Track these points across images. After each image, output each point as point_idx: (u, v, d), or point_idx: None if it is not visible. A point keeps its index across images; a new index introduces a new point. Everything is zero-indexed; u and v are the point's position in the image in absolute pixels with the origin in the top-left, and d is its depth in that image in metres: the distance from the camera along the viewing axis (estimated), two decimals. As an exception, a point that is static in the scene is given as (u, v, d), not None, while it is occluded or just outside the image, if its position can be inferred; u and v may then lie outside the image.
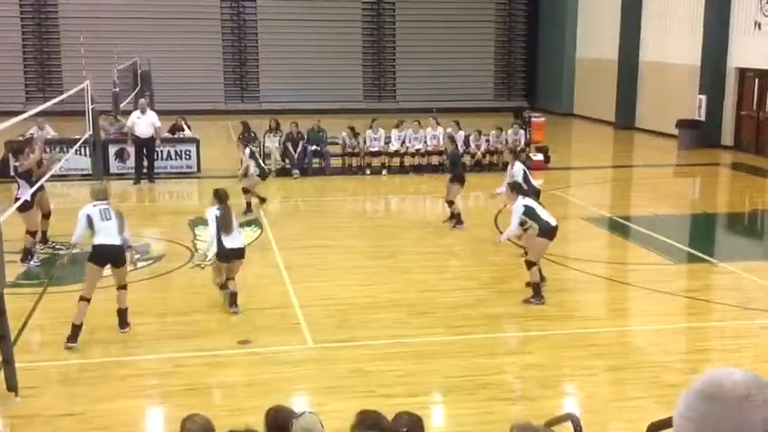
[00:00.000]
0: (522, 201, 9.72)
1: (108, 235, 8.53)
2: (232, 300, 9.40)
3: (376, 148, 18.74)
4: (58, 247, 12.12)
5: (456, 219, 13.40)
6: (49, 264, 11.48)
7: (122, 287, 8.81)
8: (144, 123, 17.28)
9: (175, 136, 18.90)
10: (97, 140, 16.04)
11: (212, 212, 9.47)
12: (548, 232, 9.69)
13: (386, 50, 31.37)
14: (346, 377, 7.66)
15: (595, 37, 28.28)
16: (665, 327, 9.26)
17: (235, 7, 30.01)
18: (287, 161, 18.29)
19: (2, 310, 7.00)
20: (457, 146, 15.28)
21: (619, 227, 14.04)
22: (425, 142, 18.81)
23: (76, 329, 8.32)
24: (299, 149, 18.13)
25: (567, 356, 8.23)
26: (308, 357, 8.23)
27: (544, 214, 9.79)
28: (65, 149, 16.53)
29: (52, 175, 13.56)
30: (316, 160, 18.44)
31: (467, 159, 18.82)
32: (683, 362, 8.30)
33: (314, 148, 18.34)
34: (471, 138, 18.88)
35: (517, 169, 11.81)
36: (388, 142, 18.86)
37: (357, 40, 30.90)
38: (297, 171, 17.93)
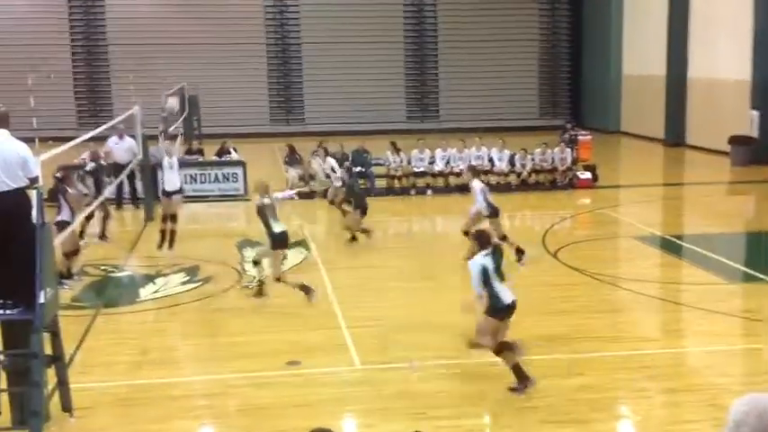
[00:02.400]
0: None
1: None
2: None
3: (421, 169, 18.73)
4: (109, 270, 12.34)
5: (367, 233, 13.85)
6: (102, 286, 11.67)
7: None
8: (122, 149, 16.71)
9: (222, 159, 19.15)
10: (146, 165, 16.30)
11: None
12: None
13: (429, 70, 31.43)
14: (395, 399, 7.60)
15: (642, 53, 27.95)
16: (720, 348, 9.02)
17: (279, 32, 30.41)
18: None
19: (56, 331, 7.12)
20: (353, 176, 15.48)
21: (670, 246, 13.75)
22: (470, 162, 18.72)
23: None
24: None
25: (620, 378, 8.06)
26: (355, 378, 8.20)
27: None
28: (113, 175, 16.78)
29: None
30: (361, 181, 18.47)
31: (512, 178, 18.74)
32: (741, 384, 8.05)
33: (359, 169, 18.40)
34: (517, 157, 18.75)
35: (475, 186, 11.98)
36: (432, 162, 18.83)
37: (399, 60, 31.04)
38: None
